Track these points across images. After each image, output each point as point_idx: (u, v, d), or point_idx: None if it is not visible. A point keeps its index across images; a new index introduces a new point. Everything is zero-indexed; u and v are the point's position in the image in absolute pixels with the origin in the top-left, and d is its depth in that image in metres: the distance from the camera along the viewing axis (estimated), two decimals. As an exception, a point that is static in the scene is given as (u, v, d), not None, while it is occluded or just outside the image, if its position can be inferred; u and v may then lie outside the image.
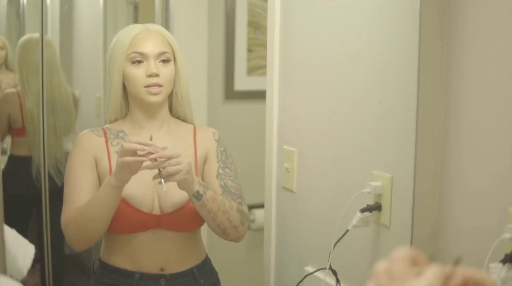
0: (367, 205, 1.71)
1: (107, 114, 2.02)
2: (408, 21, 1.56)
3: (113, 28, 3.87)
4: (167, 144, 1.85)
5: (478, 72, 1.43)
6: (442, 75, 1.51)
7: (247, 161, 3.36)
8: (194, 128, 2.03)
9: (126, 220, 1.85)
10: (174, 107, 2.03)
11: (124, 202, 1.85)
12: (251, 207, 3.78)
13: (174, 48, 1.95)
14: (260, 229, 3.11)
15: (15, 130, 3.41)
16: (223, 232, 1.92)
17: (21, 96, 3.36)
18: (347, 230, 1.74)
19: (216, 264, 2.12)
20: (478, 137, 1.44)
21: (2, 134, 3.40)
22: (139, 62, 1.88)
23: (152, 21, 3.33)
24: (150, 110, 1.95)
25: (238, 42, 3.68)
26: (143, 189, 1.87)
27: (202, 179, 1.95)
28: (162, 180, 1.70)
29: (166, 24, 3.27)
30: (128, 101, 1.98)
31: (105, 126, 2.00)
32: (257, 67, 3.74)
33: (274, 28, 2.18)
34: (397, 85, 1.64)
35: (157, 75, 1.87)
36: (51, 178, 3.36)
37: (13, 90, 3.39)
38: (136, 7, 3.94)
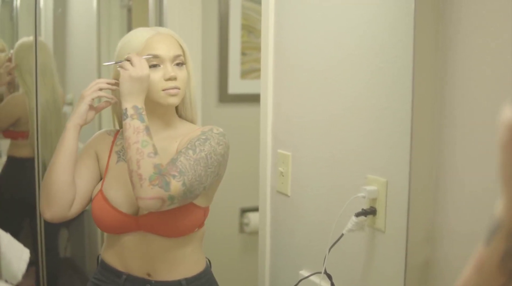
0: (362, 209, 1.71)
1: (116, 121, 2.03)
2: (402, 24, 1.56)
3: (106, 31, 3.87)
4: (166, 150, 1.86)
5: (473, 75, 1.43)
6: (436, 78, 1.51)
7: (241, 165, 3.36)
8: (198, 129, 1.91)
9: (107, 219, 1.86)
10: (181, 110, 1.99)
11: (107, 201, 1.86)
12: (245, 211, 3.80)
13: (186, 51, 1.92)
14: (254, 233, 3.10)
15: (20, 132, 3.40)
16: (130, 176, 1.71)
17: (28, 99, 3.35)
18: (342, 234, 1.74)
19: (210, 267, 2.11)
20: (473, 141, 1.44)
21: None
22: (155, 66, 1.84)
23: (146, 25, 3.32)
24: (160, 113, 1.91)
25: (232, 45, 3.68)
26: (126, 191, 1.85)
27: None
28: None
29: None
30: None
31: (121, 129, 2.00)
32: (251, 71, 3.74)
33: (268, 32, 2.18)
34: (391, 88, 1.64)
35: (175, 79, 1.85)
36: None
37: (19, 92, 3.38)
38: (129, 10, 3.93)
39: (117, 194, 1.87)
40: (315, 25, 1.95)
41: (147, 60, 1.83)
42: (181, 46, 1.91)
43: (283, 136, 2.16)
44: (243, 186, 3.57)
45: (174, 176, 1.69)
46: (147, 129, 1.75)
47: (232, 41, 3.67)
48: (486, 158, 1.40)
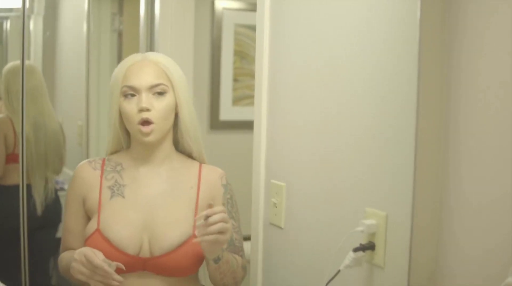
0: (360, 244, 1.64)
1: (107, 147, 1.98)
2: (407, 54, 1.51)
3: (96, 55, 3.83)
4: (166, 183, 1.88)
5: (479, 106, 1.38)
6: (441, 109, 1.45)
7: (232, 194, 3.30)
8: (200, 166, 1.96)
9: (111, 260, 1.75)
10: (179, 142, 1.95)
11: (109, 243, 1.79)
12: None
13: (173, 79, 1.86)
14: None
15: (7, 155, 3.33)
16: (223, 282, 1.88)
17: (13, 122, 3.28)
18: (339, 271, 1.66)
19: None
20: (481, 175, 1.38)
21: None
22: (132, 95, 1.81)
23: (136, 49, 3.28)
24: (149, 147, 1.88)
25: (224, 71, 3.67)
26: (130, 231, 1.80)
27: None
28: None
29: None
30: (130, 135, 1.92)
31: (106, 157, 1.96)
32: (243, 97, 3.73)
33: (263, 58, 2.13)
34: (393, 119, 1.58)
35: (148, 110, 1.79)
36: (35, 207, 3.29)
37: (2, 115, 3.32)
38: (120, 35, 3.90)
39: (121, 235, 1.80)
40: (312, 52, 1.90)
41: (123, 93, 1.82)
42: (166, 74, 1.86)
43: (277, 166, 2.10)
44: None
45: (242, 256, 1.95)
46: (226, 252, 1.82)
47: (224, 67, 3.67)
48: (494, 193, 1.35)
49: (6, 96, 3.30)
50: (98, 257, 1.68)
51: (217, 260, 1.76)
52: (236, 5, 3.70)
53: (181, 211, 1.85)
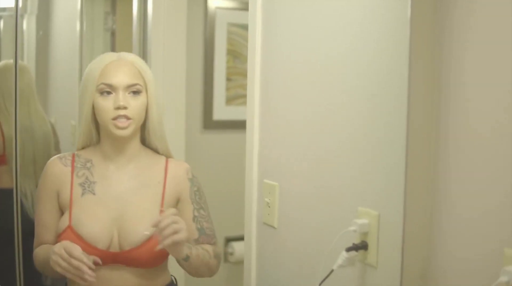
0: (353, 244, 1.64)
1: (77, 141, 2.01)
2: (398, 54, 1.51)
3: (89, 55, 3.81)
4: (135, 180, 1.93)
5: (469, 104, 1.39)
6: (432, 109, 1.46)
7: (226, 193, 3.30)
8: (166, 162, 2.00)
9: None
10: (146, 139, 2.00)
11: (80, 239, 1.83)
12: (229, 240, 3.72)
13: (147, 79, 1.91)
14: (239, 262, 3.04)
15: None
16: (200, 277, 1.99)
17: (1, 123, 3.26)
18: (332, 270, 1.66)
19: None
20: (471, 173, 1.39)
21: None
22: (108, 93, 1.86)
23: (129, 48, 3.27)
24: (119, 143, 1.92)
25: (217, 70, 3.66)
26: (100, 227, 1.85)
27: None
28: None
29: (144, 52, 3.21)
30: (99, 131, 1.96)
31: (75, 152, 1.99)
32: (236, 97, 3.72)
33: (255, 57, 2.14)
34: (385, 118, 1.58)
35: (125, 108, 1.84)
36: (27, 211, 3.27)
37: None
38: (113, 34, 3.89)
39: (92, 231, 1.84)
40: (304, 52, 1.90)
41: (99, 90, 1.85)
42: (141, 75, 1.91)
43: (270, 165, 2.10)
44: (227, 215, 3.50)
45: (215, 243, 2.01)
46: (195, 248, 1.89)
47: (217, 67, 3.65)
48: (485, 191, 1.35)
49: None
50: (76, 250, 1.73)
51: (186, 259, 1.83)
52: (229, 4, 3.70)
53: (148, 206, 1.91)
